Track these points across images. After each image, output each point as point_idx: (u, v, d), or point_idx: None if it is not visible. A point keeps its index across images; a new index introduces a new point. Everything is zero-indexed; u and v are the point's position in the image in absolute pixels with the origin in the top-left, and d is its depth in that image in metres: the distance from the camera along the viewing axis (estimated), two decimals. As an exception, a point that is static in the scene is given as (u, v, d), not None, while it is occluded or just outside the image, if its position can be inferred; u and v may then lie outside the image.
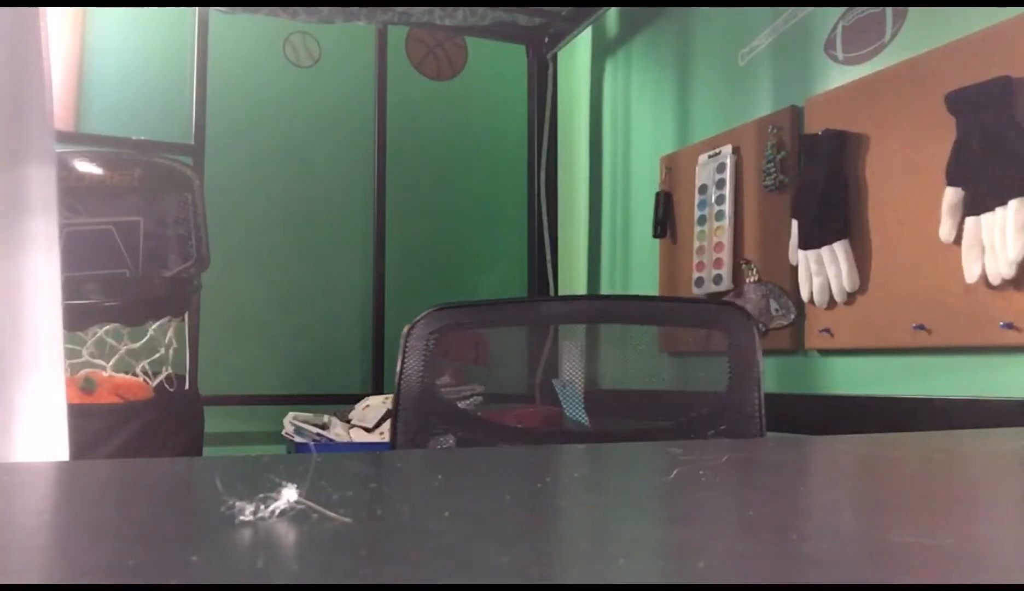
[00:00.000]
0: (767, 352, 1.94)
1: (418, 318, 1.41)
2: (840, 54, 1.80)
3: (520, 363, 1.31)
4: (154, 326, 1.94)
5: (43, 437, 0.68)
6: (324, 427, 2.48)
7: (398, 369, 1.35)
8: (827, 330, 1.76)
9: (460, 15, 2.51)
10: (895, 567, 0.20)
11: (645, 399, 1.32)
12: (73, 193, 1.84)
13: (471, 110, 2.87)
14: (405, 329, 1.39)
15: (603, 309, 1.36)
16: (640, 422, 1.31)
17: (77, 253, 1.80)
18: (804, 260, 1.78)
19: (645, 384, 1.35)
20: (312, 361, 2.66)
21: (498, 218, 2.77)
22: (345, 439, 2.43)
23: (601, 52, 2.71)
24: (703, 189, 2.13)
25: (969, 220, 1.46)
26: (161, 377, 1.95)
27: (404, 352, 1.36)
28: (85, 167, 1.92)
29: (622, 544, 0.23)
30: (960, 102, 1.48)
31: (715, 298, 2.06)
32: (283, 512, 0.24)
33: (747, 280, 1.97)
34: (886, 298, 1.64)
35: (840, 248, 1.71)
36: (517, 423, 1.26)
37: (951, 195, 1.49)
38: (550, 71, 2.72)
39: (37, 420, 0.68)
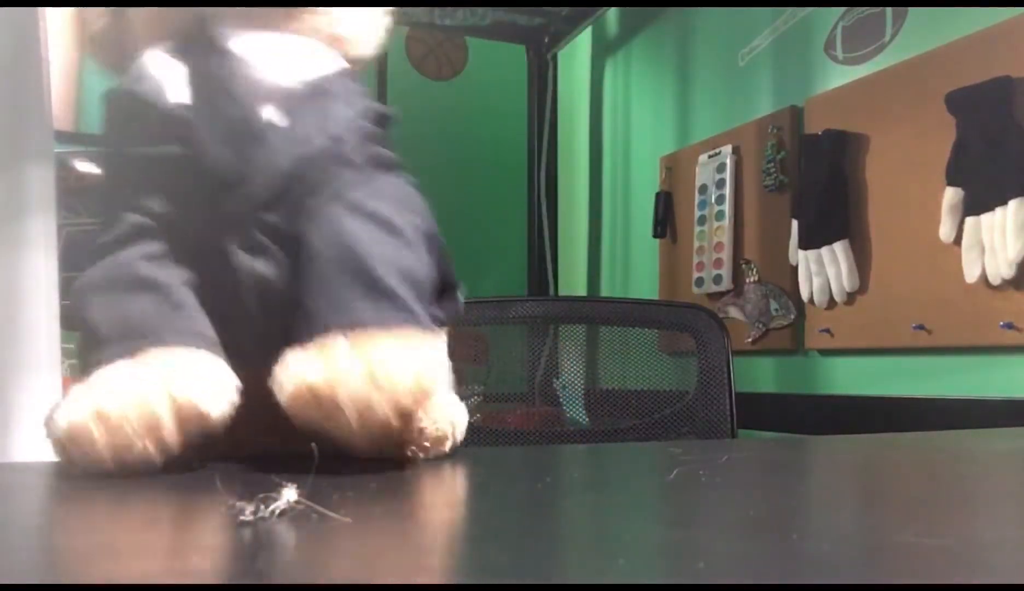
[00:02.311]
0: (767, 352, 1.94)
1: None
2: (840, 54, 1.80)
3: (484, 364, 1.31)
4: (154, 326, 1.94)
5: (40, 437, 0.68)
6: (324, 427, 2.48)
7: None
8: (827, 330, 1.76)
9: (460, 15, 2.51)
10: (895, 567, 0.20)
11: (616, 398, 1.32)
12: (73, 193, 1.84)
13: (471, 110, 2.86)
14: None
15: (571, 310, 1.37)
16: (611, 421, 1.31)
17: (77, 253, 1.79)
18: (804, 260, 1.78)
19: (616, 384, 1.35)
20: (312, 361, 2.66)
21: (498, 218, 2.77)
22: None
23: (601, 52, 2.71)
24: (703, 189, 2.13)
25: (969, 220, 1.46)
26: (161, 377, 1.94)
27: None
28: (85, 167, 1.92)
29: (622, 544, 0.23)
30: (960, 102, 1.48)
31: (715, 298, 2.06)
32: (283, 512, 0.24)
33: (747, 280, 1.97)
34: (886, 298, 1.64)
35: (840, 248, 1.71)
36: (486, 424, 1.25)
37: (951, 195, 1.49)
38: (550, 71, 2.72)
39: (35, 420, 0.68)
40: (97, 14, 0.40)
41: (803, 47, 1.90)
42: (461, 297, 0.46)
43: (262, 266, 0.39)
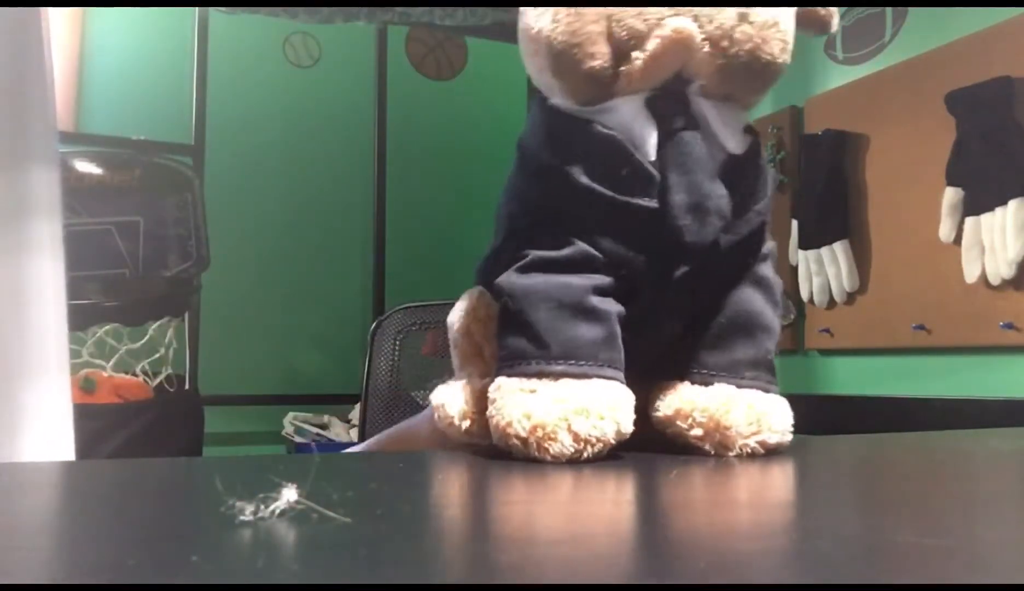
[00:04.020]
0: (767, 352, 1.94)
1: (382, 318, 1.41)
2: (840, 54, 1.80)
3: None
4: (154, 326, 1.94)
5: (50, 438, 0.68)
6: (324, 427, 2.48)
7: (365, 369, 1.34)
8: (827, 330, 1.76)
9: (460, 15, 2.51)
10: (895, 567, 0.20)
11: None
12: (73, 193, 1.84)
13: (471, 110, 2.87)
14: (371, 328, 1.39)
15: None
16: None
17: (77, 253, 1.79)
18: (804, 260, 1.78)
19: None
20: (312, 361, 2.66)
21: (498, 218, 2.76)
22: (345, 439, 2.43)
23: (601, 52, 2.71)
24: (703, 189, 2.13)
25: (969, 220, 1.46)
26: (161, 377, 1.95)
27: (371, 352, 1.35)
28: (85, 167, 1.92)
29: (622, 544, 0.23)
30: (960, 102, 1.48)
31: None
32: (283, 512, 0.24)
33: (747, 280, 1.97)
34: (886, 298, 1.64)
35: (840, 248, 1.71)
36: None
37: (951, 195, 1.49)
38: (550, 71, 2.72)
39: (45, 422, 0.68)
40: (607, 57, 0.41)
41: (803, 47, 1.90)
42: None
43: (675, 312, 0.45)
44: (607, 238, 0.42)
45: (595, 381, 0.40)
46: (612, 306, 0.42)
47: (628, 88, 0.42)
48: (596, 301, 0.42)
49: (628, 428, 0.40)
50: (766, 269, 0.46)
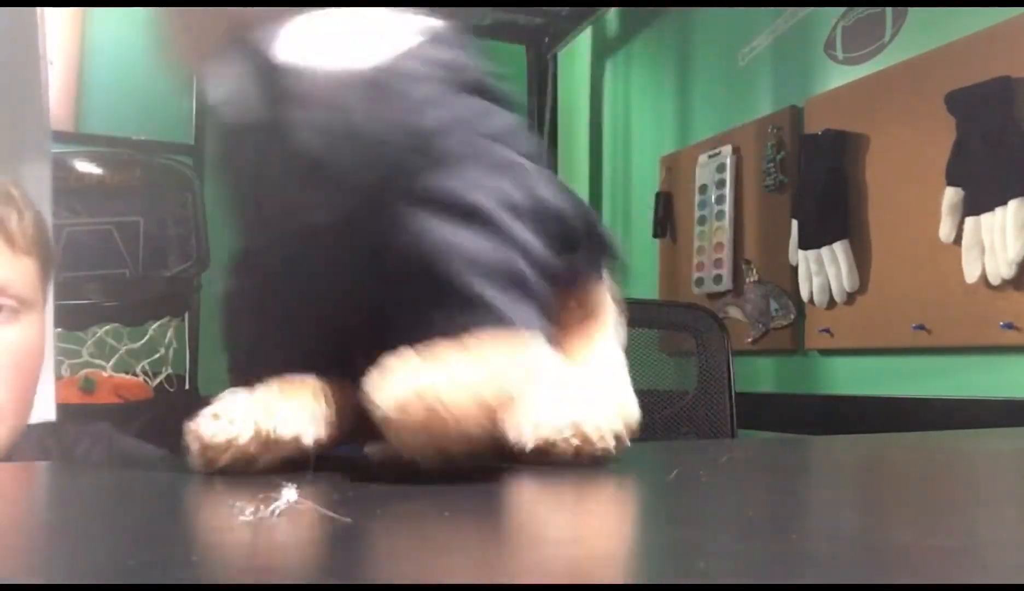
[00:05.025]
0: (767, 352, 1.94)
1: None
2: (840, 54, 1.80)
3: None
4: (154, 326, 1.94)
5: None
6: (324, 427, 2.47)
7: None
8: (827, 330, 1.75)
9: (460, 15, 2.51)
10: (895, 567, 0.20)
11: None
12: (73, 193, 1.84)
13: (471, 110, 2.86)
14: None
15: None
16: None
17: (77, 253, 1.80)
18: (804, 260, 1.78)
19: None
20: (312, 361, 2.65)
21: (498, 218, 2.76)
22: (345, 439, 2.43)
23: (601, 52, 2.71)
24: (703, 189, 2.13)
25: (969, 220, 1.46)
26: (161, 377, 1.95)
27: None
28: (85, 167, 1.92)
29: (623, 544, 0.23)
30: (960, 102, 1.48)
31: (715, 298, 2.06)
32: (283, 512, 0.24)
33: (747, 280, 1.97)
34: (886, 298, 1.64)
35: (840, 248, 1.71)
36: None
37: (951, 195, 1.49)
38: (550, 71, 2.72)
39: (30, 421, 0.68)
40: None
41: (803, 47, 1.90)
42: (608, 240, 0.42)
43: (348, 276, 0.37)
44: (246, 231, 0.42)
45: (260, 390, 0.38)
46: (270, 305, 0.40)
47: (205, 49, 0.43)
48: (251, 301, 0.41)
49: (284, 433, 0.37)
50: (448, 187, 0.34)
